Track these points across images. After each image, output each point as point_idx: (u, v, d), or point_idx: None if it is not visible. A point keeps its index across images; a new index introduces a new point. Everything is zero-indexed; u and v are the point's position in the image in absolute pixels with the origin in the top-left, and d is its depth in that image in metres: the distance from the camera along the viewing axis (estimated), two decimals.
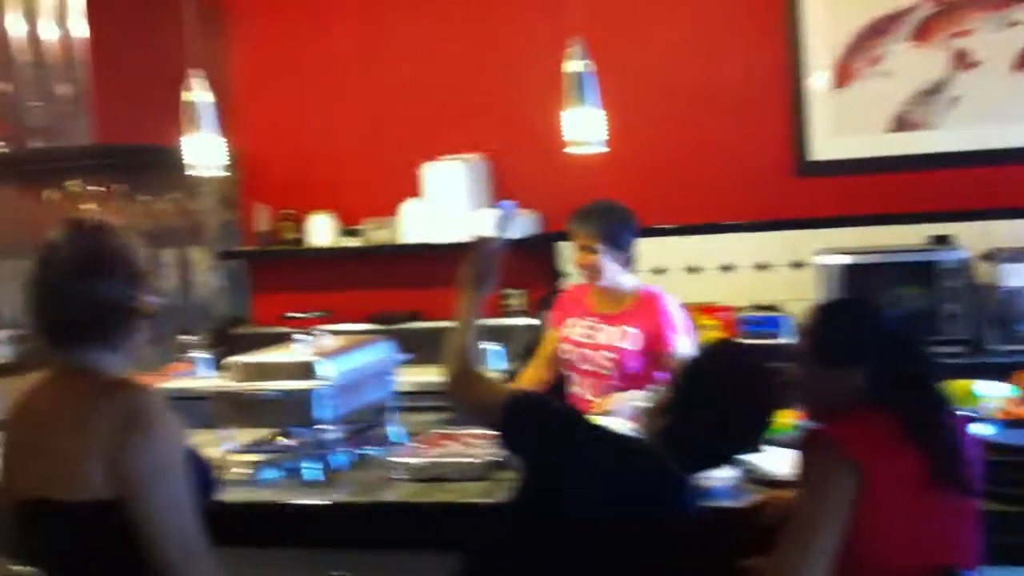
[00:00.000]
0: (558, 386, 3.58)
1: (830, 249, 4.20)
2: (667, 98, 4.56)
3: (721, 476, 2.50)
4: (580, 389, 3.50)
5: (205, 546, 2.04)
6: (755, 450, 2.39)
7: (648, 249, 4.50)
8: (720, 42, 4.54)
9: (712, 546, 2.33)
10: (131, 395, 2.03)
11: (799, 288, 4.32)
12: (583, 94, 3.12)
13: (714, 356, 2.45)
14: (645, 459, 2.29)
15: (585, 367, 3.49)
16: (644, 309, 3.44)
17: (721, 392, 2.27)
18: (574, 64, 3.11)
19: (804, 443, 2.17)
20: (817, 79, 4.50)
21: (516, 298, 4.64)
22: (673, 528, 2.25)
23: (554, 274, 4.64)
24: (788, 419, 2.63)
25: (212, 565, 2.04)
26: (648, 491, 2.25)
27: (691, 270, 4.63)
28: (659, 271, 4.58)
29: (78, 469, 1.98)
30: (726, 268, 4.60)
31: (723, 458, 2.38)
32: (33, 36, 4.58)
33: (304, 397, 2.89)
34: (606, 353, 3.44)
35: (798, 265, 4.48)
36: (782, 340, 4.04)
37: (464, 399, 2.54)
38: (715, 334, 4.05)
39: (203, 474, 2.20)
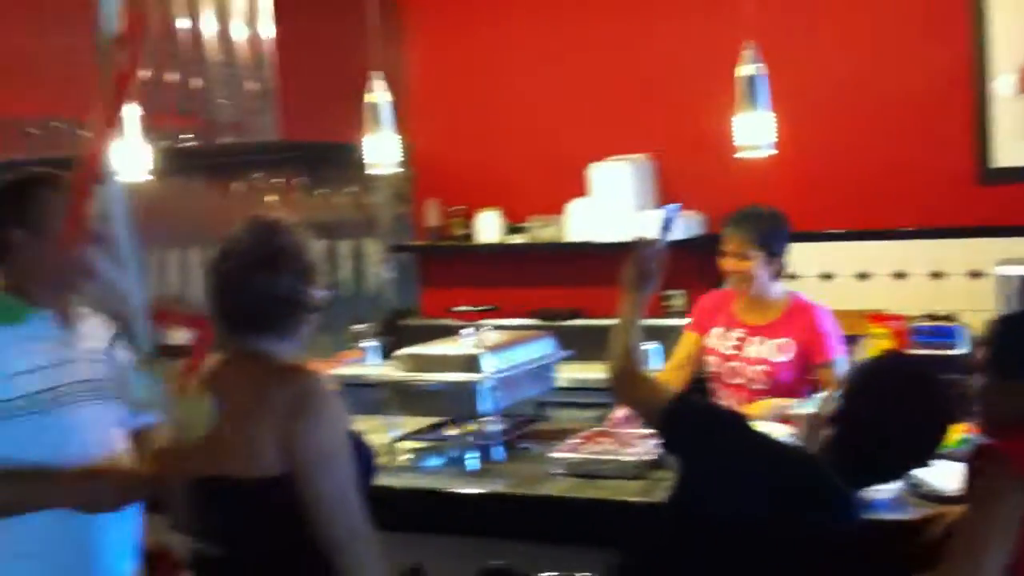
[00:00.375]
0: (701, 388, 3.53)
1: (1012, 259, 4.02)
2: (840, 100, 4.45)
3: (885, 489, 2.45)
4: (727, 402, 3.41)
5: (369, 528, 2.11)
6: (924, 465, 2.33)
7: (816, 254, 4.44)
8: (898, 45, 4.40)
9: (875, 560, 2.29)
10: (302, 380, 2.12)
11: (977, 299, 4.15)
12: (755, 97, 3.09)
13: (883, 367, 2.39)
14: (807, 470, 2.25)
15: (735, 380, 3.40)
16: (796, 319, 3.35)
17: (891, 405, 2.22)
18: (747, 67, 3.08)
19: (974, 458, 2.11)
20: (1002, 83, 4.31)
21: (677, 299, 4.63)
22: (834, 541, 2.21)
23: (716, 276, 4.59)
24: (957, 433, 2.55)
25: (376, 547, 2.11)
26: (809, 503, 2.22)
27: (861, 276, 4.51)
28: (827, 277, 4.49)
29: (250, 447, 2.08)
30: (899, 275, 4.46)
31: (891, 473, 2.33)
32: (224, 35, 4.80)
33: (468, 389, 2.98)
34: (758, 367, 3.35)
35: (977, 275, 4.31)
36: (957, 351, 3.89)
37: (627, 398, 2.56)
38: (885, 343, 3.94)
39: (365, 459, 2.29)
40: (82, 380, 2.31)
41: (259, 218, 2.25)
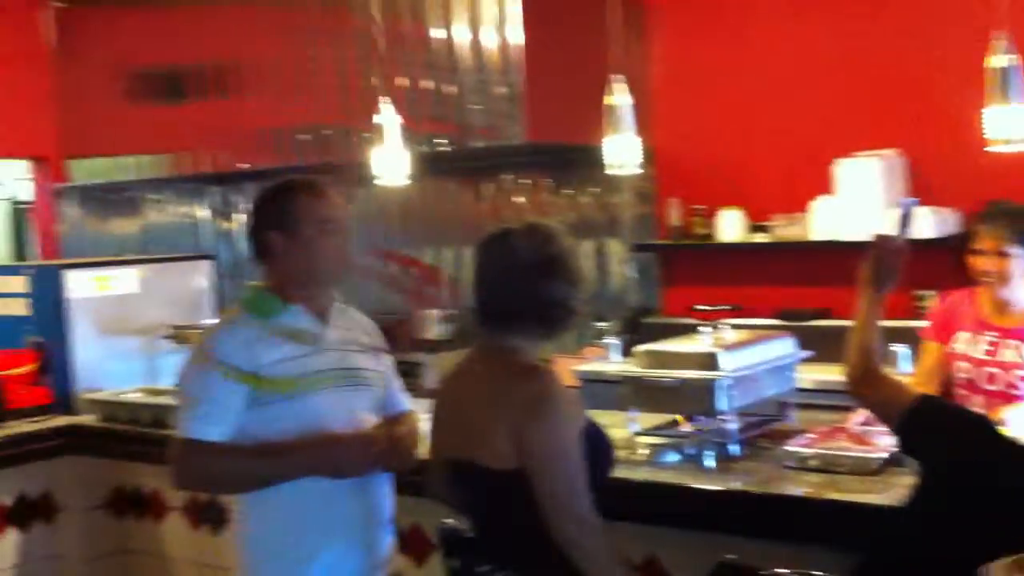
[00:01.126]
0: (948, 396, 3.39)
1: None
2: None
3: None
4: (982, 409, 3.24)
5: (597, 521, 2.21)
6: None
7: None
8: None
9: None
10: (539, 381, 2.25)
11: None
12: (1007, 89, 2.97)
13: None
14: None
15: (991, 387, 3.24)
16: None
17: None
18: (998, 58, 2.97)
19: None
20: None
21: (930, 299, 4.45)
22: None
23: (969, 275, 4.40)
24: None
25: (603, 539, 2.21)
26: None
27: None
28: None
29: (491, 440, 2.22)
30: None
31: None
32: (475, 43, 5.03)
33: (705, 386, 3.01)
34: (1020, 371, 3.18)
35: None
36: None
37: (865, 398, 2.53)
38: None
39: (605, 451, 2.38)
40: (330, 369, 2.52)
41: (537, 225, 2.38)
